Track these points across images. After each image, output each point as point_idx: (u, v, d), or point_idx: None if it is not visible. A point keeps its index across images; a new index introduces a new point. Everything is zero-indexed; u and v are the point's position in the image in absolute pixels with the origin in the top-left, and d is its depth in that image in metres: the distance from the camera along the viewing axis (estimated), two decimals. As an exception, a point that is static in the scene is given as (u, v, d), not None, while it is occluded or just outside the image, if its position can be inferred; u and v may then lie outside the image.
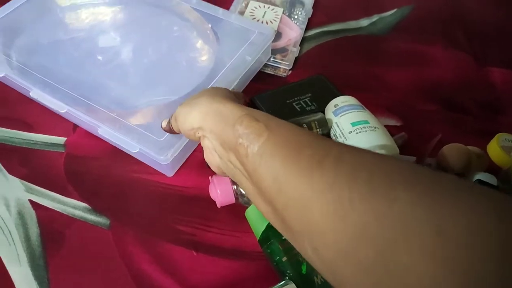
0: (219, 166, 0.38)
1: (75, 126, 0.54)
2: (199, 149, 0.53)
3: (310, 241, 0.26)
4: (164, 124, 0.46)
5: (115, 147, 0.52)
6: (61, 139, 0.53)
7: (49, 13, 0.63)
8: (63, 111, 0.50)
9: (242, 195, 0.47)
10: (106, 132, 0.48)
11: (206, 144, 0.37)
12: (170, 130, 0.45)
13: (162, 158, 0.46)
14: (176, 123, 0.41)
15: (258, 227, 0.43)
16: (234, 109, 0.34)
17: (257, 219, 0.44)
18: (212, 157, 0.38)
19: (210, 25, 0.62)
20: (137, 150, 0.47)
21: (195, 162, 0.52)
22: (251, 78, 0.62)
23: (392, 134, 0.57)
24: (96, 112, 0.50)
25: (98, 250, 0.44)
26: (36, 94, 0.51)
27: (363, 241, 0.22)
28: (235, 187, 0.47)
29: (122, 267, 0.43)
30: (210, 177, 0.48)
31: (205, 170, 0.50)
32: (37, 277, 0.41)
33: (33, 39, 0.59)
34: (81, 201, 0.47)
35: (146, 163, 0.51)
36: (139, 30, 0.63)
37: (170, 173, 0.50)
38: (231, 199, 0.47)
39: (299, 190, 0.26)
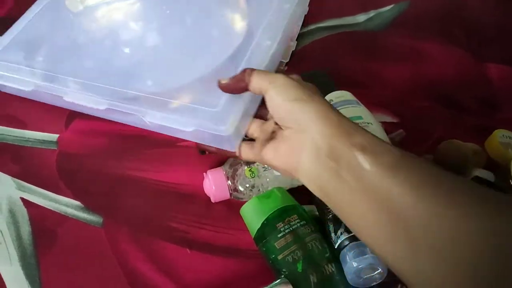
0: (288, 165, 0.35)
1: (68, 123, 0.54)
2: (192, 143, 0.52)
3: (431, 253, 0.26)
4: (225, 80, 0.39)
5: (107, 144, 0.51)
6: (54, 136, 0.52)
7: (64, 20, 0.61)
8: (102, 108, 0.45)
9: (236, 190, 0.47)
10: (154, 117, 0.43)
11: (298, 141, 0.33)
12: (237, 86, 0.38)
13: (223, 128, 0.40)
14: (268, 85, 0.35)
15: (254, 225, 0.43)
16: (351, 122, 0.32)
17: (252, 216, 0.43)
18: (288, 156, 0.34)
19: None
20: (193, 129, 0.41)
21: (190, 158, 0.51)
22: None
23: (388, 131, 0.57)
24: (137, 100, 0.44)
25: (91, 249, 0.43)
26: (71, 97, 0.47)
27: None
28: (229, 182, 0.47)
29: (116, 266, 0.42)
30: (204, 173, 0.48)
31: (199, 166, 0.50)
32: (28, 276, 0.41)
33: (54, 48, 0.56)
34: (74, 199, 0.47)
35: (204, 144, 0.44)
36: (159, 14, 0.59)
37: (233, 146, 0.44)
38: (225, 195, 0.47)
39: (436, 209, 0.26)
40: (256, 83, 0.37)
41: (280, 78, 0.35)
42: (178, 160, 0.51)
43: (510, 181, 0.48)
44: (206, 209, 0.47)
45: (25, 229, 0.44)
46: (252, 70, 0.37)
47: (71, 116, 0.54)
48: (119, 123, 0.53)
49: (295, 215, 0.43)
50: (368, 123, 0.49)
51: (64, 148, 0.51)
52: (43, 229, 0.44)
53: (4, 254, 0.42)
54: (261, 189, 0.47)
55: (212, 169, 0.48)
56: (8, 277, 0.41)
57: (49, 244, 0.43)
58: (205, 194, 0.47)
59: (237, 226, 0.45)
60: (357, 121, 0.49)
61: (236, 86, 0.38)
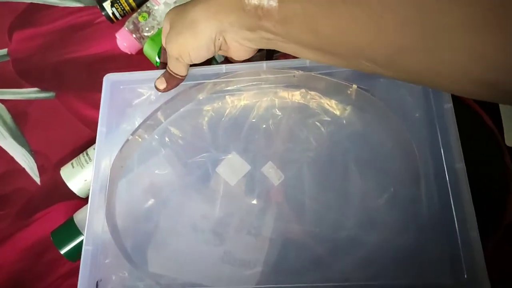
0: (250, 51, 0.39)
1: (10, 36, 0.67)
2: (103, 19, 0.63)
3: (365, 56, 0.29)
4: (162, 84, 0.42)
5: (45, 42, 0.65)
6: (4, 51, 0.66)
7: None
8: None
9: (143, 37, 0.59)
10: None
11: (228, 43, 0.37)
12: (172, 82, 0.42)
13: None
14: (182, 58, 0.38)
15: (153, 57, 0.56)
16: None
17: (151, 52, 0.56)
18: (243, 49, 0.38)
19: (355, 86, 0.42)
20: None
21: (106, 30, 0.63)
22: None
23: None
24: None
25: (53, 113, 0.60)
26: None
27: None
28: (134, 35, 0.59)
29: (71, 117, 0.58)
30: (116, 34, 0.60)
31: (113, 32, 0.62)
32: (19, 143, 0.58)
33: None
34: (32, 87, 0.62)
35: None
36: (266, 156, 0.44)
37: None
38: (136, 45, 0.60)
39: (338, 19, 0.28)
40: (175, 69, 0.41)
41: (169, 46, 0.39)
42: (97, 35, 0.64)
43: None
44: (129, 60, 0.61)
45: (7, 116, 0.61)
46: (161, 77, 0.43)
47: (10, 30, 0.67)
48: (51, 24, 0.66)
49: (179, 39, 0.55)
50: None
51: (15, 56, 0.65)
52: (18, 113, 0.61)
53: (-1, 134, 0.60)
54: (159, 25, 0.59)
55: (118, 31, 0.60)
56: (7, 147, 0.58)
57: (25, 120, 0.60)
58: (121, 52, 0.61)
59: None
60: None
61: (170, 85, 0.43)
